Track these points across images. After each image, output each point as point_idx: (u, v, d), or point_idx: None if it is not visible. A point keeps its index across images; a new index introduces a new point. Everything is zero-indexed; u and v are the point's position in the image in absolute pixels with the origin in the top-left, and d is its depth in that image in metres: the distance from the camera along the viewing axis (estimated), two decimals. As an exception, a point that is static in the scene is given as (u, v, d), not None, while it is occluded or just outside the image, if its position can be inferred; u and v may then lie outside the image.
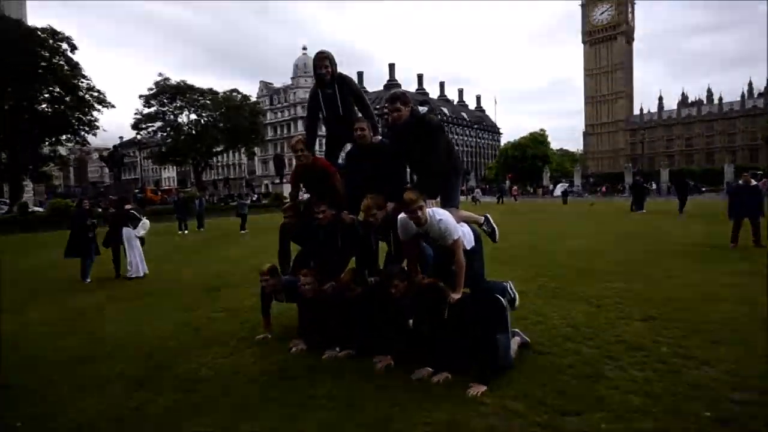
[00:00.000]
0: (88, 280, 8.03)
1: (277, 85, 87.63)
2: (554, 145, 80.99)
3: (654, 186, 45.53)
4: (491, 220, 4.09)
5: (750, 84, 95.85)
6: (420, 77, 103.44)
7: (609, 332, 4.13)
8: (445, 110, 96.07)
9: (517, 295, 4.01)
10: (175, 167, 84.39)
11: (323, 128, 4.35)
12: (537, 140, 69.30)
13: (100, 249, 8.53)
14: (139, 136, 45.41)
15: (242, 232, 17.05)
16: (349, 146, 4.24)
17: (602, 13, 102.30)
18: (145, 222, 8.80)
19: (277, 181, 51.91)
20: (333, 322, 4.01)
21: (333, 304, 3.99)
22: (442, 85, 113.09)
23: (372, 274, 4.01)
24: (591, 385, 3.06)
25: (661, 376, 3.15)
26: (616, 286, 5.93)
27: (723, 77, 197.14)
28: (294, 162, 4.11)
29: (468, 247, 3.52)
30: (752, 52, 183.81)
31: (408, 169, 4.01)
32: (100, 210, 17.22)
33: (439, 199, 3.78)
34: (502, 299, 3.55)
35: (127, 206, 8.84)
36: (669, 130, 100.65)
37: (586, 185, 61.84)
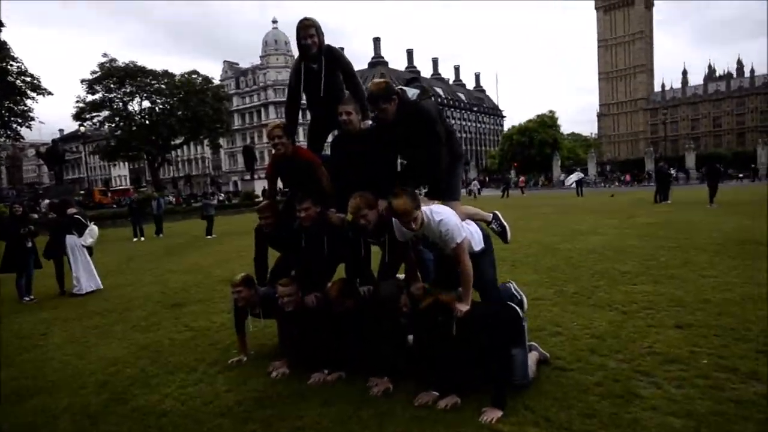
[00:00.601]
0: (28, 299, 7.87)
1: (244, 65, 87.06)
2: (565, 128, 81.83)
3: (677, 173, 46.10)
4: (501, 218, 4.07)
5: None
6: (410, 53, 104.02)
7: (639, 343, 4.13)
8: (440, 91, 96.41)
9: (524, 298, 4.01)
10: (126, 164, 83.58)
11: (309, 115, 4.26)
12: (545, 123, 69.77)
13: (41, 261, 8.36)
14: (82, 128, 44.50)
15: (208, 237, 16.89)
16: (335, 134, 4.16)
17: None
18: (93, 228, 8.66)
19: (248, 177, 51.63)
20: (319, 339, 3.97)
21: (319, 319, 3.95)
22: (435, 61, 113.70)
23: (364, 282, 3.96)
24: (623, 405, 3.05)
25: (703, 393, 3.15)
26: (643, 288, 5.97)
27: (755, 45, 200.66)
28: (270, 153, 4.05)
29: (476, 249, 3.49)
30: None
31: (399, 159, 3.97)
32: (36, 216, 16.91)
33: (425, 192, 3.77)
34: (518, 308, 3.53)
35: (70, 210, 8.69)
36: (695, 108, 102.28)
37: (602, 173, 62.56)
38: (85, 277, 8.22)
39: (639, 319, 4.79)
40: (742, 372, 3.43)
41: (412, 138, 3.50)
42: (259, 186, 43.99)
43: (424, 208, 3.30)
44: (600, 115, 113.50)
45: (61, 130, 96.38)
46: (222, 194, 52.92)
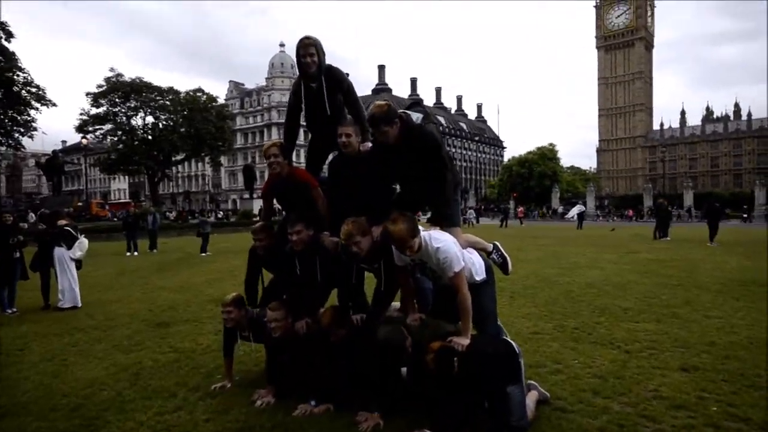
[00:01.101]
0: (10, 311, 7.62)
1: (250, 86, 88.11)
2: (564, 161, 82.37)
3: (677, 210, 46.26)
4: (501, 248, 3.92)
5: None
6: (414, 81, 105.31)
7: (643, 385, 3.94)
8: (442, 119, 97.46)
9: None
10: (126, 177, 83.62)
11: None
12: (545, 156, 70.35)
13: (28, 273, 8.14)
14: (84, 141, 44.53)
15: (203, 254, 16.66)
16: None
17: (618, 15, 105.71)
18: (83, 241, 8.45)
19: (246, 195, 51.58)
20: (308, 368, 3.77)
21: (308, 347, 3.75)
22: (438, 91, 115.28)
23: (357, 309, 3.77)
24: (628, 454, 2.84)
25: (713, 444, 2.95)
26: (645, 327, 5.78)
27: (752, 89, 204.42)
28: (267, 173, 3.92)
29: (477, 279, 3.32)
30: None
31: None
32: (26, 226, 16.66)
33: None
34: (513, 344, 3.34)
35: (61, 222, 8.50)
36: (692, 148, 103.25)
37: (600, 207, 62.66)
38: (72, 290, 7.98)
39: (642, 359, 4.60)
40: (754, 422, 3.23)
41: (414, 162, 3.36)
42: (258, 205, 43.97)
43: (423, 233, 3.15)
44: (599, 151, 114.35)
45: (63, 142, 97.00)
46: (221, 212, 52.78)
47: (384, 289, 3.50)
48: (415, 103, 3.58)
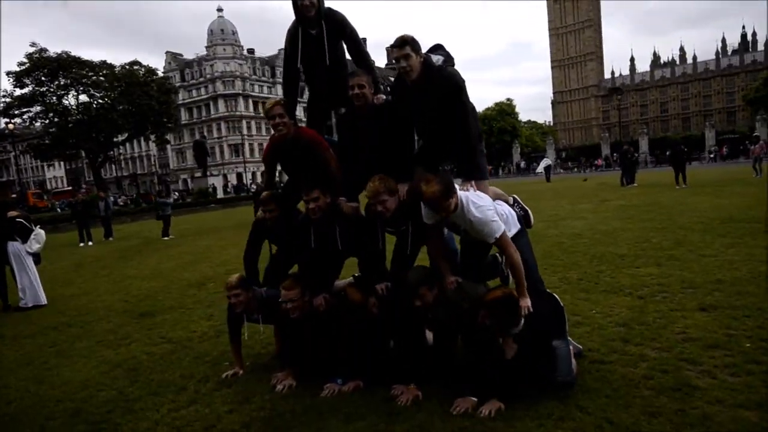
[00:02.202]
0: (-35, 316, 7.02)
1: (189, 56, 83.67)
2: (521, 117, 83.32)
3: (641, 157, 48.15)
4: (520, 201, 3.79)
5: (723, 40, 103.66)
6: (363, 41, 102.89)
7: (670, 329, 3.97)
8: (392, 79, 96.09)
9: (529, 211, 3.69)
10: (63, 163, 79.02)
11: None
12: (504, 111, 70.99)
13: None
14: (11, 126, 41.36)
15: (165, 238, 15.94)
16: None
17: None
18: (39, 233, 7.85)
19: (199, 174, 49.71)
20: (330, 345, 3.58)
21: (328, 324, 3.56)
22: (389, 52, 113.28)
23: (378, 279, 3.56)
24: (685, 400, 2.83)
25: (763, 380, 2.98)
26: (648, 271, 5.88)
27: (696, 33, 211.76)
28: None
29: (513, 231, 3.17)
30: (717, 6, 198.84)
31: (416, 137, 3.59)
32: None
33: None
34: (557, 297, 3.26)
35: (12, 213, 7.81)
36: (643, 94, 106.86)
37: (563, 159, 64.30)
38: (34, 287, 7.42)
39: (658, 303, 4.65)
40: (792, 353, 3.29)
41: (436, 107, 3.13)
42: (213, 183, 42.55)
43: (460, 193, 2.96)
44: (554, 103, 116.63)
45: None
46: (176, 192, 50.91)
47: (410, 251, 3.31)
48: (437, 46, 3.31)
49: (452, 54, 3.23)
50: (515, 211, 3.75)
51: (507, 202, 3.73)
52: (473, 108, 3.39)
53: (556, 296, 3.27)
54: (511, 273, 3.09)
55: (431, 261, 3.40)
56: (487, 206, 3.01)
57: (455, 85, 3.11)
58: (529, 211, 3.83)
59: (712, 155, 48.79)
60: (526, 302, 2.94)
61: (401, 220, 3.24)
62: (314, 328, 3.58)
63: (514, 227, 3.25)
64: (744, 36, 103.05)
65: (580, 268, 6.38)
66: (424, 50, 3.16)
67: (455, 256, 3.55)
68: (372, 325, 3.42)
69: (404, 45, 3.08)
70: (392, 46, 3.10)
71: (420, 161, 3.28)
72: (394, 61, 3.14)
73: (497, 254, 3.47)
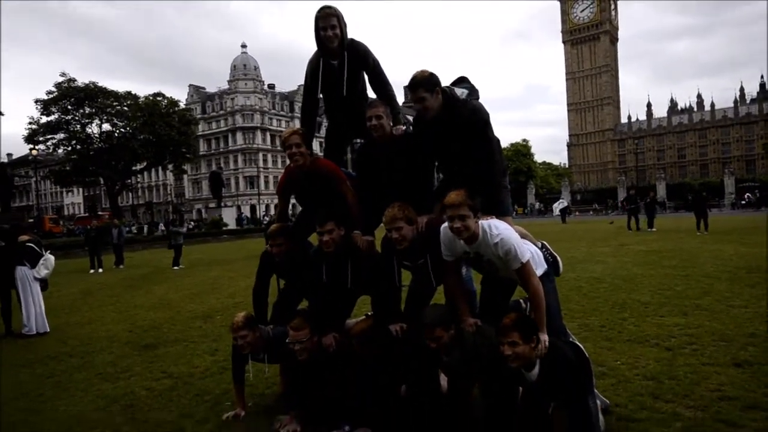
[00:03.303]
0: (-33, 341, 6.92)
1: (211, 89, 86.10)
2: (536, 158, 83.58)
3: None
4: (549, 247, 3.61)
5: (741, 89, 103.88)
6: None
7: (703, 385, 3.70)
8: (411, 118, 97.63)
9: (559, 258, 3.43)
10: (81, 190, 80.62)
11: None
12: (520, 152, 71.24)
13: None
14: (34, 152, 42.37)
15: (176, 268, 15.88)
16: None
17: (583, 10, 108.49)
18: (48, 258, 7.81)
19: (213, 204, 50.19)
20: (337, 389, 3.38)
21: (338, 365, 3.37)
22: (407, 91, 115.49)
23: (392, 319, 3.39)
24: (727, 467, 2.57)
25: (813, 447, 2.71)
26: (674, 321, 5.60)
27: (712, 82, 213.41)
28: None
29: (539, 272, 2.99)
30: (734, 57, 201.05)
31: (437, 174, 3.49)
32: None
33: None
34: (582, 348, 3.04)
35: (23, 238, 7.82)
36: (660, 140, 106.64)
37: (580, 202, 63.96)
38: (39, 315, 7.32)
39: (688, 357, 4.38)
40: (842, 420, 3.02)
41: (458, 141, 3.03)
42: (227, 213, 42.89)
43: (481, 222, 2.81)
44: (570, 145, 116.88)
45: (9, 155, 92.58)
46: (193, 222, 51.42)
47: (427, 289, 3.14)
48: (462, 78, 3.24)
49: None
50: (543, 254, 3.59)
51: (534, 244, 3.56)
52: (498, 141, 3.29)
53: (581, 346, 3.05)
54: (530, 304, 2.89)
55: (448, 300, 3.22)
56: (509, 230, 2.86)
57: (480, 120, 3.02)
58: (558, 258, 3.64)
59: (743, 201, 47.95)
60: (545, 337, 2.73)
61: (419, 252, 3.09)
62: (322, 369, 3.39)
63: (541, 267, 3.06)
64: (762, 85, 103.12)
65: (601, 315, 6.12)
66: (448, 82, 3.08)
67: (474, 298, 3.37)
68: (383, 367, 3.23)
69: (417, 89, 3.01)
70: (407, 87, 3.04)
71: (440, 196, 3.15)
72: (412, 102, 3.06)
73: (521, 300, 3.27)
